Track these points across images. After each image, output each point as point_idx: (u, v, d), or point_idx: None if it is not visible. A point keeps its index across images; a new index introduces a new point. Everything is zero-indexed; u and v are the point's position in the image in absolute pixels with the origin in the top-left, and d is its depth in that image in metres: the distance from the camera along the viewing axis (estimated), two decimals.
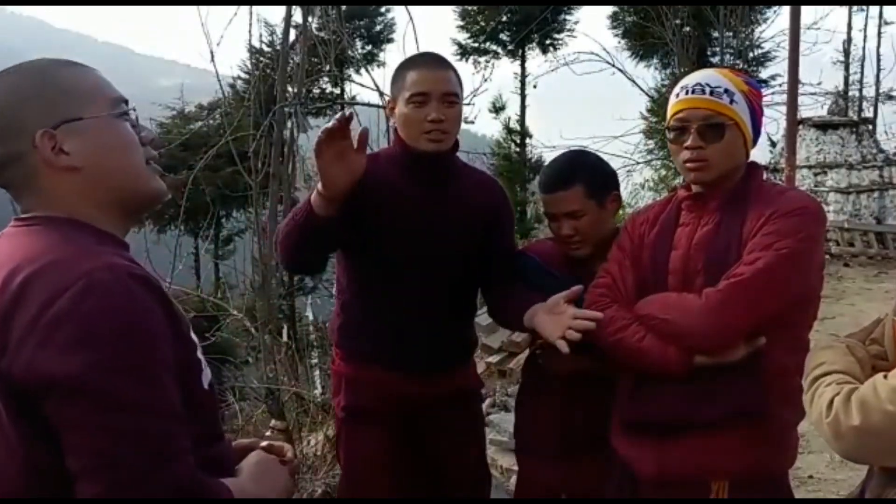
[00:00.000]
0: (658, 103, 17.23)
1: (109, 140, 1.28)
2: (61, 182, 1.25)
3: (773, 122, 14.02)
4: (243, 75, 16.06)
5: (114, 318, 1.10)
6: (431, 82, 2.31)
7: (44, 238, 1.20)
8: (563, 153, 2.47)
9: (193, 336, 1.28)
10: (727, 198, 1.97)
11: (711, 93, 1.93)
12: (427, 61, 2.39)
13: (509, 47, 19.71)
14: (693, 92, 1.95)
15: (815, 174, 13.47)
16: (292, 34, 5.63)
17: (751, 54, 17.18)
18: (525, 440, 2.53)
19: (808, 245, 1.84)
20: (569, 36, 19.66)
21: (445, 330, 2.48)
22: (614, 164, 14.90)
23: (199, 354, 1.29)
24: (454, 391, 2.53)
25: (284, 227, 2.28)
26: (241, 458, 1.41)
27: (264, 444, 1.49)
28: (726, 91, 1.94)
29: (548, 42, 19.64)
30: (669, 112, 2.01)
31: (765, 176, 2.09)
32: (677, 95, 2.00)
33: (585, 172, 2.34)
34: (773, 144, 14.31)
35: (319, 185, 2.15)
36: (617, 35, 18.66)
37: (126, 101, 1.33)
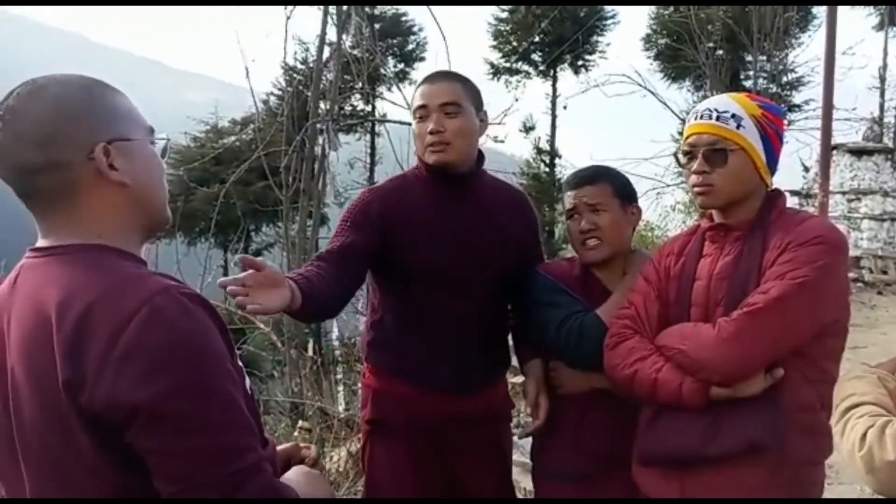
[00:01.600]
0: None
1: (149, 164, 1.33)
2: (106, 196, 1.27)
3: (807, 147, 13.87)
4: (276, 92, 16.24)
5: (181, 343, 1.14)
6: (429, 95, 2.35)
7: (87, 267, 1.21)
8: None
9: (238, 364, 1.31)
10: (748, 228, 1.96)
11: (718, 118, 1.94)
12: (431, 76, 2.43)
13: (541, 68, 19.73)
14: (701, 118, 1.97)
15: (849, 200, 13.27)
16: (326, 52, 5.69)
17: (784, 78, 17.04)
18: (541, 462, 2.50)
19: (824, 274, 1.81)
20: (601, 57, 19.67)
21: (475, 349, 2.46)
22: (644, 186, 14.81)
23: (248, 383, 1.32)
24: (482, 411, 2.50)
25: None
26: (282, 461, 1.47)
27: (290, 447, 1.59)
28: (733, 116, 1.93)
29: (579, 63, 19.64)
30: (683, 138, 2.05)
31: (796, 202, 2.06)
32: (689, 121, 2.03)
33: (613, 176, 2.39)
34: (807, 170, 14.14)
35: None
36: (649, 57, 18.63)
37: (153, 131, 1.38)
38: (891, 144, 15.43)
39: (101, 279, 1.17)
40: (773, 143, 1.97)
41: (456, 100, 2.34)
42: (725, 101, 1.98)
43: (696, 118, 1.99)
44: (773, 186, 2.04)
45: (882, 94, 19.69)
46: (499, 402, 2.62)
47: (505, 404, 2.68)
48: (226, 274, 16.31)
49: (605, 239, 2.29)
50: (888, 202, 13.02)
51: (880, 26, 19.66)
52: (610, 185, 2.33)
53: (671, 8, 17.19)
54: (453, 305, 2.39)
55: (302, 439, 1.59)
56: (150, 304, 1.13)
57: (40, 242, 1.28)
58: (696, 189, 1.98)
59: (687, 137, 2.01)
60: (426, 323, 2.41)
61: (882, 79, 19.69)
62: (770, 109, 1.99)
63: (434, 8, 5.61)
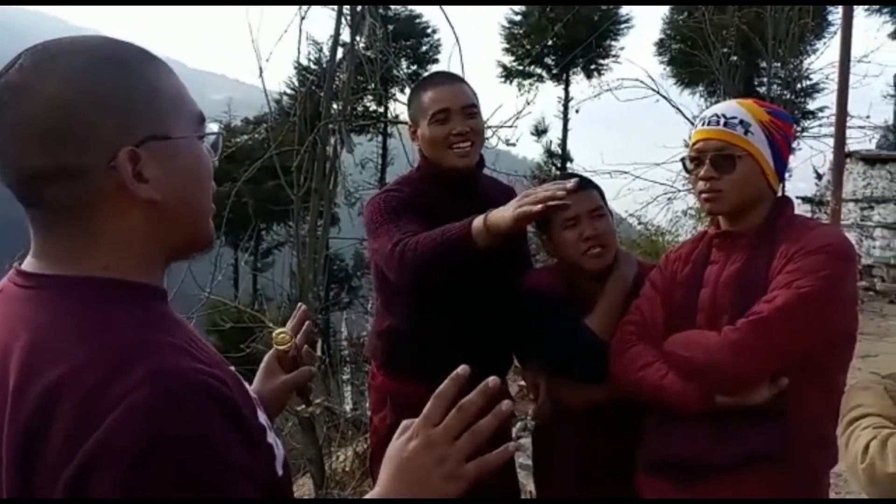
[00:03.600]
0: None
1: (194, 170, 1.01)
2: (128, 216, 0.95)
3: (820, 154, 13.82)
4: (289, 91, 16.30)
5: (169, 453, 0.81)
6: (450, 98, 2.34)
7: (73, 316, 0.90)
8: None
9: (263, 418, 1.00)
10: (755, 235, 1.96)
11: (725, 124, 1.93)
12: (439, 79, 2.43)
13: (554, 71, 19.77)
14: (709, 123, 1.96)
15: (862, 209, 13.20)
16: (339, 52, 5.71)
17: (799, 85, 16.98)
18: (543, 468, 2.50)
19: (830, 284, 1.80)
20: (614, 62, 19.68)
21: (486, 349, 2.43)
22: (656, 190, 14.79)
23: (270, 438, 1.00)
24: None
25: (429, 243, 2.13)
26: None
27: None
28: (741, 122, 1.93)
29: (592, 67, 19.67)
30: (691, 144, 2.04)
31: (809, 209, 2.06)
32: (696, 127, 2.03)
33: (595, 183, 2.37)
34: (819, 177, 14.08)
35: (498, 216, 2.03)
36: (662, 62, 18.61)
37: (204, 119, 1.04)
38: None
39: (84, 340, 0.87)
40: (781, 149, 1.97)
41: (474, 101, 2.38)
42: (733, 107, 1.97)
43: (703, 124, 1.99)
44: (784, 193, 2.05)
45: None
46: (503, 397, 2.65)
47: (505, 397, 2.70)
48: (236, 273, 16.40)
49: (608, 245, 2.26)
50: None
51: (895, 34, 19.58)
52: (598, 192, 2.33)
53: (685, 13, 17.17)
54: (467, 309, 2.40)
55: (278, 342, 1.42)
56: (135, 396, 0.81)
57: (29, 263, 0.97)
58: (704, 195, 1.97)
59: (694, 143, 2.01)
60: (441, 327, 2.41)
61: None
62: (778, 115, 1.99)
63: (448, 9, 5.61)
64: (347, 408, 7.00)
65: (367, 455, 4.64)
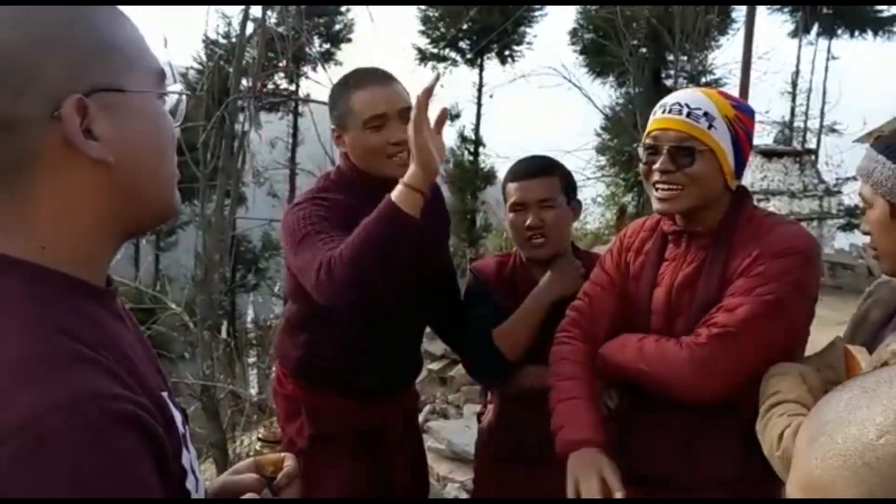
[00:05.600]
0: (612, 121, 17.47)
1: (151, 131, 0.86)
2: (73, 182, 0.80)
3: None
4: (196, 66, 15.79)
5: (75, 490, 0.67)
6: (386, 101, 2.10)
7: None
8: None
9: (187, 458, 0.85)
10: (713, 235, 1.81)
11: (689, 114, 1.75)
12: (372, 79, 2.15)
13: (468, 56, 19.77)
14: (670, 111, 1.77)
15: (759, 200, 13.70)
16: (249, 27, 5.55)
17: (703, 79, 17.54)
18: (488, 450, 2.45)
19: (793, 290, 1.70)
20: (528, 48, 19.83)
21: (407, 355, 2.45)
22: None
23: (190, 483, 0.85)
24: (406, 411, 2.52)
25: (356, 243, 1.86)
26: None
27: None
28: (706, 115, 1.75)
29: (506, 53, 19.76)
30: (647, 131, 1.85)
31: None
32: (655, 114, 1.83)
33: (563, 169, 2.32)
34: None
35: (411, 174, 1.82)
36: (575, 51, 18.88)
37: (165, 76, 0.91)
38: (799, 148, 16.06)
39: None
40: (743, 147, 1.80)
41: (410, 103, 2.04)
42: (698, 97, 1.78)
43: (663, 111, 1.79)
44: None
45: (793, 99, 20.54)
46: (416, 400, 2.68)
47: (417, 399, 2.73)
48: (137, 252, 15.86)
49: (551, 237, 2.22)
50: (794, 203, 13.56)
51: (795, 33, 20.45)
52: (558, 180, 2.26)
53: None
54: (398, 321, 2.30)
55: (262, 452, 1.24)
56: (35, 429, 0.66)
57: None
58: (659, 192, 1.79)
59: (650, 131, 1.82)
60: (367, 342, 2.27)
61: (794, 84, 20.53)
62: (743, 110, 1.83)
63: None
64: (253, 392, 6.87)
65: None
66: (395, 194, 1.83)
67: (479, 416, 2.54)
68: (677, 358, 1.72)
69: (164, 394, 0.85)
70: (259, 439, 1.36)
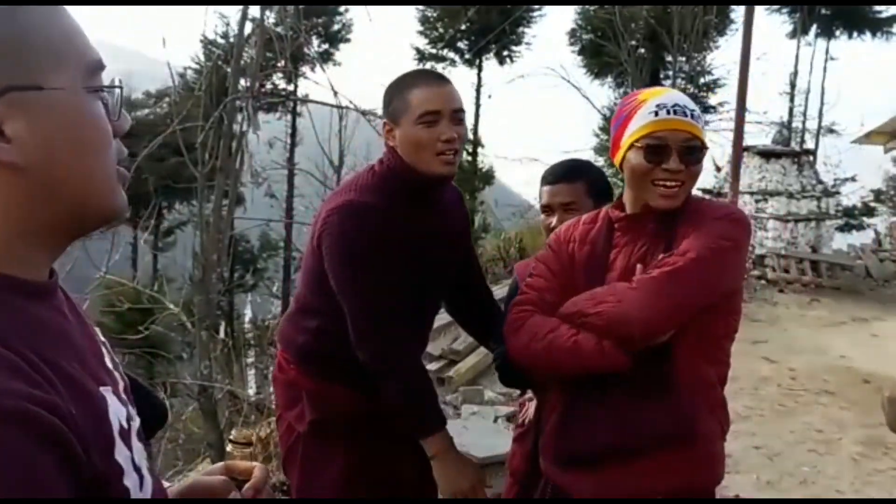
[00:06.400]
0: (610, 121, 17.48)
1: (74, 127, 0.82)
2: None
3: (719, 147, 14.38)
4: (194, 66, 15.78)
5: None
6: (441, 100, 2.17)
7: None
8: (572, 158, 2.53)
9: (123, 456, 0.83)
10: (659, 218, 1.93)
11: (692, 116, 1.89)
12: (431, 78, 2.26)
13: (467, 56, 19.79)
14: (675, 113, 1.88)
15: (757, 201, 13.74)
16: (248, 27, 5.54)
17: (701, 80, 17.56)
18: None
19: (734, 246, 1.87)
20: (526, 49, 19.85)
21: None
22: None
23: (130, 480, 0.83)
24: None
25: (414, 391, 2.27)
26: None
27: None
28: (699, 116, 1.93)
29: (505, 54, 19.78)
30: (641, 129, 1.90)
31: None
32: (655, 114, 1.89)
33: (591, 174, 2.42)
34: (718, 169, 14.61)
35: (440, 456, 2.24)
36: (574, 52, 18.90)
37: (103, 68, 0.87)
38: (797, 149, 16.08)
39: None
40: None
41: (463, 106, 2.24)
42: (686, 99, 1.95)
43: (666, 112, 1.88)
44: None
45: (792, 100, 20.59)
46: None
47: None
48: (135, 252, 15.85)
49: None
50: (792, 204, 13.58)
51: (793, 34, 20.48)
52: (585, 184, 2.35)
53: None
54: (420, 312, 2.36)
55: (239, 456, 1.23)
56: None
57: None
58: (665, 189, 1.88)
59: (654, 132, 1.88)
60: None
61: (792, 85, 20.59)
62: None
63: None
64: (251, 392, 6.86)
65: (270, 440, 4.55)
66: (437, 441, 2.23)
67: (511, 417, 2.54)
68: (627, 292, 1.82)
69: (106, 388, 0.84)
70: (230, 440, 1.35)
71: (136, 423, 0.90)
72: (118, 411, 0.84)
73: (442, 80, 2.26)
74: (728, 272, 1.89)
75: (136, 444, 0.87)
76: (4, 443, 0.66)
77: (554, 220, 2.31)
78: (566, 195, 2.33)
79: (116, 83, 0.89)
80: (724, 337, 1.97)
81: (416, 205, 2.25)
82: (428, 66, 19.64)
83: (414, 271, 2.25)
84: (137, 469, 0.85)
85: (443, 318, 3.24)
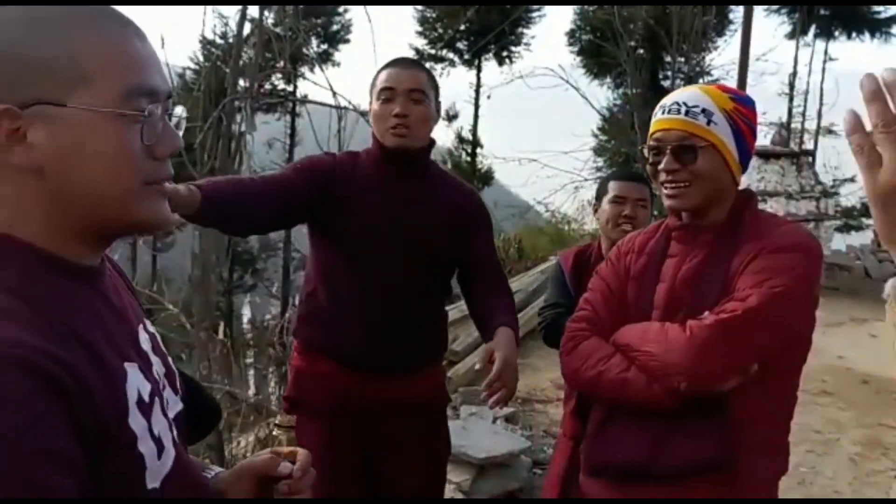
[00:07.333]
0: (609, 122, 17.49)
1: (91, 144, 0.87)
2: (8, 180, 0.87)
3: None
4: (193, 66, 15.77)
5: None
6: (397, 79, 2.38)
7: None
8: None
9: (139, 424, 0.89)
10: (718, 230, 1.84)
11: (687, 113, 1.80)
12: (397, 61, 2.46)
13: (466, 56, 19.78)
14: (669, 112, 1.83)
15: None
16: (247, 27, 5.54)
17: (701, 81, 17.55)
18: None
19: (802, 285, 1.72)
20: (525, 49, 19.83)
21: (403, 329, 2.40)
22: (563, 179, 15.05)
23: (145, 447, 0.90)
24: (411, 399, 2.42)
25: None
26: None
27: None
28: (704, 111, 1.79)
29: (504, 54, 19.77)
30: (649, 134, 1.89)
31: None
32: (656, 115, 1.88)
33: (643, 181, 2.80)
34: None
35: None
36: (573, 52, 18.89)
37: (152, 95, 0.91)
38: (796, 149, 16.08)
39: None
40: (745, 138, 1.85)
41: (421, 87, 2.39)
42: (696, 95, 1.83)
43: (663, 112, 1.85)
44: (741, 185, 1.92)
45: (791, 101, 20.55)
46: (430, 393, 2.55)
47: (439, 396, 2.61)
48: (134, 252, 15.83)
49: (638, 228, 2.46)
50: (791, 204, 13.58)
51: (792, 34, 20.47)
52: (649, 189, 2.78)
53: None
54: (387, 284, 2.37)
55: (286, 439, 1.25)
56: None
57: None
58: (667, 190, 1.84)
59: (653, 133, 1.86)
60: (356, 297, 2.38)
61: (791, 85, 20.53)
62: (742, 102, 1.86)
63: None
64: (250, 393, 6.86)
65: (269, 441, 4.55)
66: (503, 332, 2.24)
67: (511, 418, 2.55)
68: (680, 338, 1.71)
69: (131, 364, 0.92)
70: (276, 425, 1.37)
71: (171, 403, 1.02)
72: (140, 385, 0.92)
73: (407, 63, 2.50)
74: (794, 320, 1.75)
75: (160, 418, 0.95)
76: (7, 386, 0.73)
77: (627, 208, 2.73)
78: (641, 192, 2.77)
79: (180, 113, 0.97)
80: (789, 370, 1.84)
81: (385, 174, 2.43)
82: (427, 66, 19.66)
83: (354, 213, 2.37)
84: (157, 440, 0.92)
85: None
